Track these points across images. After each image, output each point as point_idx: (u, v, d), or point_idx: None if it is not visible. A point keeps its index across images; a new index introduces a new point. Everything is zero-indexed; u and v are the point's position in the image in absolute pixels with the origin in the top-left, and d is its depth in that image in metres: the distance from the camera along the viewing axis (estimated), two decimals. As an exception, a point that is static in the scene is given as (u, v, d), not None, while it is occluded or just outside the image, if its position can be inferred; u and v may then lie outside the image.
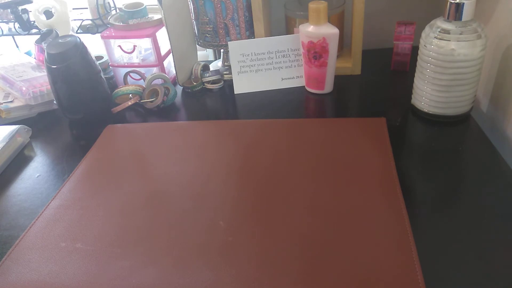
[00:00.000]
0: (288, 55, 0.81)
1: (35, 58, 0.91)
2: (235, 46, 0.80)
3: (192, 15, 0.86)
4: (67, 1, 0.91)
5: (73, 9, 0.97)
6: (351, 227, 0.48)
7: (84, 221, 0.54)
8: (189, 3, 0.85)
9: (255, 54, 0.81)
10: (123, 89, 0.81)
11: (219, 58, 0.97)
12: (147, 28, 0.84)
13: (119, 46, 0.85)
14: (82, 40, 0.75)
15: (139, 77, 0.85)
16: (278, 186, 0.56)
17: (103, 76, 0.79)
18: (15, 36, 1.04)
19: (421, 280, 0.41)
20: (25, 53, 0.98)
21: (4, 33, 0.98)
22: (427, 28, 0.64)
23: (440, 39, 0.61)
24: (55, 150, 0.72)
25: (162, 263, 0.47)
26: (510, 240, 0.46)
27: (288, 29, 0.86)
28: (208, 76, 0.86)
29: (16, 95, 0.80)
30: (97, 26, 0.92)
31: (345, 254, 0.45)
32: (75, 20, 0.94)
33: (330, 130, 0.66)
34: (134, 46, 0.84)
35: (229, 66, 0.86)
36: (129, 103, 0.79)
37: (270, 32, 0.89)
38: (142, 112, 0.81)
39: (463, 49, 0.59)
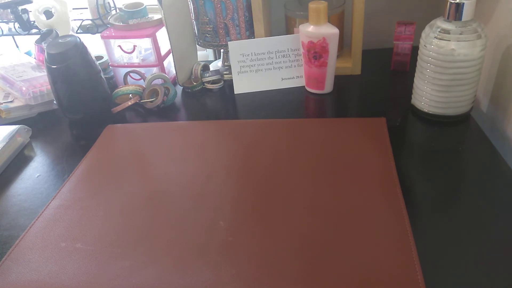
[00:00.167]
0: (288, 55, 0.81)
1: (35, 58, 0.91)
2: (235, 46, 0.80)
3: (192, 15, 0.86)
4: (67, 1, 0.91)
5: (73, 9, 0.97)
6: (351, 227, 0.48)
7: (84, 221, 0.54)
8: (189, 3, 0.85)
9: (255, 54, 0.81)
10: (123, 89, 0.81)
11: (219, 58, 0.97)
12: (147, 28, 0.84)
13: (119, 46, 0.85)
14: (82, 40, 0.75)
15: (139, 77, 0.85)
16: (278, 186, 0.56)
17: (103, 76, 0.79)
18: (15, 36, 1.04)
19: (421, 280, 0.41)
20: (25, 53, 0.98)
21: (4, 33, 0.98)
22: (427, 28, 0.64)
23: (440, 39, 0.61)
24: (55, 150, 0.72)
25: (162, 263, 0.47)
26: (510, 240, 0.46)
27: (288, 29, 0.86)
28: (208, 76, 0.86)
29: (16, 95, 0.80)
30: (97, 26, 0.92)
31: (345, 254, 0.45)
32: (75, 20, 0.94)
33: (330, 130, 0.66)
34: (134, 46, 0.84)
35: (229, 66, 0.86)
36: (129, 103, 0.79)
37: (270, 32, 0.89)
38: (142, 112, 0.81)
39: (463, 49, 0.59)
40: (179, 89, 0.87)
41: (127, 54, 0.86)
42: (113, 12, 0.95)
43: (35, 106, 0.80)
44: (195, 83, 0.85)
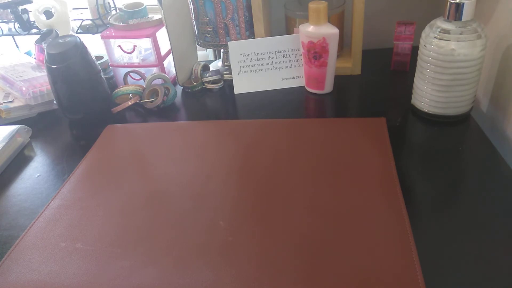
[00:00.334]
0: (288, 55, 0.81)
1: (35, 58, 0.91)
2: (235, 46, 0.80)
3: (192, 15, 0.86)
4: (67, 1, 0.91)
5: (73, 9, 0.97)
6: (351, 227, 0.48)
7: (84, 221, 0.54)
8: (189, 3, 0.85)
9: (255, 54, 0.81)
10: (123, 89, 0.81)
11: (219, 58, 0.97)
12: (147, 28, 0.84)
13: (119, 46, 0.85)
14: (82, 40, 0.75)
15: (139, 77, 0.85)
16: (278, 186, 0.56)
17: (103, 76, 0.79)
18: (15, 36, 1.04)
19: (421, 280, 0.41)
20: (25, 53, 0.98)
21: (4, 33, 0.98)
22: (427, 28, 0.64)
23: (440, 39, 0.61)
24: (55, 150, 0.72)
25: (162, 263, 0.47)
26: (510, 240, 0.46)
27: (288, 29, 0.86)
28: (208, 76, 0.86)
29: (16, 95, 0.80)
30: (97, 26, 0.92)
31: (345, 254, 0.45)
32: (75, 20, 0.94)
33: (330, 130, 0.66)
34: (134, 46, 0.84)
35: (229, 66, 0.86)
36: (129, 103, 0.79)
37: (270, 32, 0.89)
38: (142, 112, 0.81)
39: (463, 49, 0.59)
40: (179, 89, 0.87)
41: (127, 54, 0.86)
42: (113, 12, 0.95)
43: (35, 106, 0.80)
44: (195, 83, 0.85)
